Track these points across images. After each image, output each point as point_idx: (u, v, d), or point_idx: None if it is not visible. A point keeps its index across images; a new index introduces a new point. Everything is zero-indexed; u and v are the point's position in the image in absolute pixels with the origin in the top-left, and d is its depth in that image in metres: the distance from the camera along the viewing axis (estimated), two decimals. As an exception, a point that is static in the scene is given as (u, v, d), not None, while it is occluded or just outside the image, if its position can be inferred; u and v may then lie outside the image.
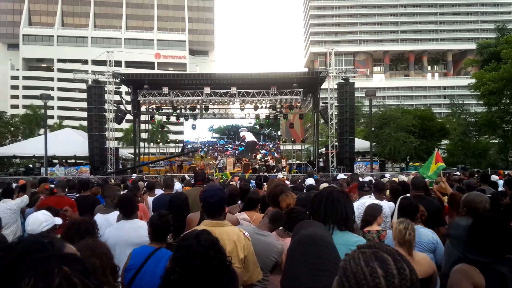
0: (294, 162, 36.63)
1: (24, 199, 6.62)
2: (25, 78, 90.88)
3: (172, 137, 55.85)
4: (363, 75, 67.02)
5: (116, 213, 4.88)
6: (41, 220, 3.38)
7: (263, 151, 39.03)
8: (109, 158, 26.28)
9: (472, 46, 53.11)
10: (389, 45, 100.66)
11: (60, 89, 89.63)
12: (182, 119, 33.26)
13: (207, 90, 26.52)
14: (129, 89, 29.28)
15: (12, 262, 1.24)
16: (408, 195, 5.27)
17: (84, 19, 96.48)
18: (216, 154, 39.10)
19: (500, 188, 8.09)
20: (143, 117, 31.82)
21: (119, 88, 28.15)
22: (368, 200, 5.40)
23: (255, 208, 4.81)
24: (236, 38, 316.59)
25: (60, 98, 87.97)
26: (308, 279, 1.67)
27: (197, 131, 34.12)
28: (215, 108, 32.41)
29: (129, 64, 77.21)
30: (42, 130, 45.71)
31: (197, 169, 26.70)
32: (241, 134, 45.38)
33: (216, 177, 14.66)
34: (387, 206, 5.44)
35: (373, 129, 30.70)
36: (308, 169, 25.97)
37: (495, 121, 32.81)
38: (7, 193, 6.79)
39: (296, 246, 1.87)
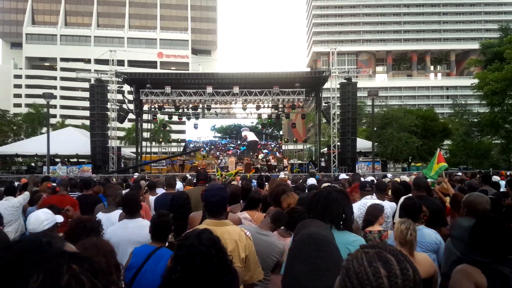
0: (296, 161, 36.63)
1: (25, 195, 6.64)
2: (28, 77, 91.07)
3: (174, 136, 55.91)
4: (366, 75, 67.16)
5: (118, 212, 4.89)
6: (42, 219, 3.39)
7: (265, 151, 39.02)
8: (111, 157, 26.33)
9: (475, 46, 52.91)
10: (392, 44, 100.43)
11: (62, 88, 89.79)
12: (184, 119, 33.28)
13: (209, 89, 26.53)
14: (132, 88, 29.33)
15: (10, 260, 1.25)
16: (410, 195, 5.26)
17: (87, 18, 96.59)
18: (218, 153, 39.13)
19: (502, 189, 8.07)
20: (145, 116, 31.87)
21: (122, 87, 28.18)
22: (370, 200, 5.40)
23: (257, 208, 4.82)
24: (239, 38, 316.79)
25: (62, 97, 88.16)
26: (308, 278, 1.67)
27: (199, 131, 34.34)
28: (217, 108, 32.44)
29: (132, 63, 77.32)
30: (44, 129, 45.91)
31: (199, 168, 26.73)
32: (243, 133, 45.42)
33: (217, 177, 14.66)
34: (389, 206, 5.44)
35: (375, 129, 30.69)
36: (310, 169, 25.95)
37: (497, 121, 32.72)
38: (10, 191, 6.82)
39: (297, 246, 1.87)
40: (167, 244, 3.47)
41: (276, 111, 31.78)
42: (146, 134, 34.68)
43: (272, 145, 42.70)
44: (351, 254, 1.11)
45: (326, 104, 27.72)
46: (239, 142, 43.92)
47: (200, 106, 29.85)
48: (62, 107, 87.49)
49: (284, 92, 26.55)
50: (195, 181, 8.89)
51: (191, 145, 37.73)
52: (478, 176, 12.18)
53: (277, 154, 37.68)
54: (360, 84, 28.95)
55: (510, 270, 2.41)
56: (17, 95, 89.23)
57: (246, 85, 27.24)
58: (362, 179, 8.42)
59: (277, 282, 3.02)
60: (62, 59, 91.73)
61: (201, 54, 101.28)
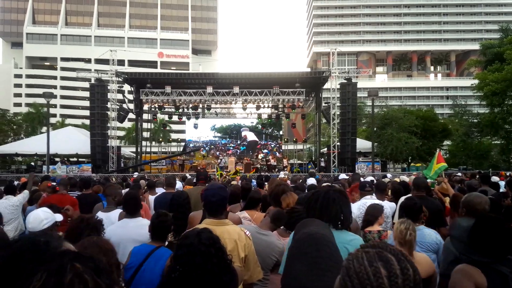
0: (295, 161, 36.64)
1: (25, 194, 6.64)
2: (28, 76, 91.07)
3: (174, 136, 55.91)
4: (366, 75, 67.13)
5: (117, 211, 4.88)
6: (42, 218, 3.38)
7: (265, 151, 39.03)
8: (111, 157, 26.35)
9: (476, 46, 52.90)
10: (392, 45, 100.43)
11: (63, 87, 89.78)
12: (184, 118, 33.29)
13: (209, 89, 26.54)
14: (132, 88, 29.35)
15: (8, 259, 1.25)
16: (411, 195, 5.26)
17: (88, 18, 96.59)
18: (217, 153, 39.13)
19: (502, 190, 8.07)
20: (145, 116, 31.89)
21: (122, 87, 28.20)
22: (370, 200, 5.40)
23: (256, 207, 4.82)
24: (239, 38, 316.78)
25: (63, 97, 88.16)
26: (308, 278, 1.67)
27: (199, 130, 34.37)
28: (218, 108, 32.45)
29: (132, 63, 77.30)
30: (44, 128, 45.92)
31: (199, 168, 26.73)
32: (243, 133, 45.41)
33: (217, 176, 14.65)
34: (388, 206, 5.44)
35: (375, 129, 30.67)
36: (310, 168, 25.96)
37: (497, 122, 32.72)
38: (9, 190, 6.82)
39: (297, 245, 1.87)
40: (166, 243, 3.47)
41: (276, 111, 31.79)
42: (146, 134, 34.71)
43: (272, 145, 42.71)
44: (351, 254, 1.10)
45: (326, 104, 27.73)
46: (239, 142, 43.91)
47: (200, 106, 29.85)
48: (62, 106, 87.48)
49: (284, 92, 26.56)
50: (195, 181, 8.89)
51: (191, 145, 37.73)
52: (477, 176, 12.18)
53: (277, 154, 37.70)
54: (360, 84, 28.96)
55: (509, 270, 2.41)
56: (17, 95, 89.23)
57: (246, 85, 27.25)
58: (361, 179, 8.43)
59: (276, 281, 3.02)
60: (63, 59, 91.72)
61: (202, 54, 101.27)
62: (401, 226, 3.35)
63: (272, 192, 4.88)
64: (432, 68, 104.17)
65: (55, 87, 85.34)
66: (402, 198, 5.51)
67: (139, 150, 30.81)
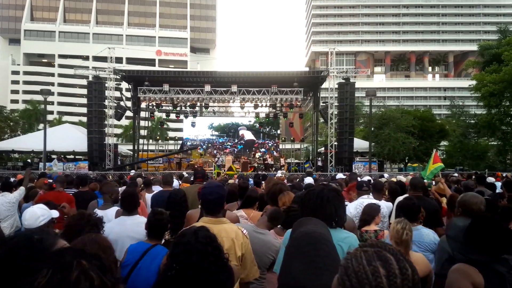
0: (293, 161, 36.66)
1: (21, 191, 6.62)
2: (25, 73, 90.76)
3: (171, 134, 55.87)
4: (364, 75, 67.04)
5: (114, 209, 4.88)
6: (38, 215, 3.37)
7: (263, 150, 39.03)
8: (108, 154, 26.30)
9: (474, 47, 53.05)
10: (390, 45, 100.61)
11: (60, 84, 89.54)
12: (182, 117, 33.23)
13: (207, 88, 26.49)
14: (130, 85, 29.26)
15: (3, 256, 1.25)
16: (408, 195, 5.27)
17: (86, 15, 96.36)
18: (215, 151, 39.10)
19: (498, 190, 8.12)
20: (143, 114, 31.80)
21: (120, 84, 28.15)
22: (367, 199, 5.40)
23: (253, 206, 4.82)
24: (238, 36, 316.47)
25: (60, 94, 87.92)
26: (306, 277, 1.67)
27: (197, 129, 34.12)
28: (215, 106, 32.38)
29: (130, 60, 77.10)
30: (41, 125, 45.71)
31: (196, 166, 26.73)
32: (240, 132, 45.31)
33: (214, 175, 14.65)
34: (385, 206, 5.45)
35: (372, 129, 30.71)
36: (307, 168, 25.98)
37: (494, 123, 32.81)
38: (6, 187, 6.79)
39: (294, 244, 1.87)
40: (163, 241, 3.46)
41: (274, 110, 31.76)
42: (143, 132, 34.66)
43: (270, 144, 42.70)
44: (350, 253, 1.10)
45: (324, 104, 27.74)
46: (236, 141, 43.89)
47: (198, 104, 29.78)
48: (60, 103, 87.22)
49: (282, 92, 26.53)
50: (192, 179, 8.89)
51: (188, 143, 37.67)
52: (473, 177, 12.23)
53: (275, 153, 37.71)
54: (358, 84, 28.97)
55: (506, 269, 2.42)
56: (15, 91, 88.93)
57: (244, 84, 27.21)
58: (358, 178, 8.44)
59: (273, 280, 3.03)
60: (60, 56, 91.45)
61: (200, 52, 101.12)
62: (397, 225, 3.36)
63: (269, 191, 4.88)
64: (430, 68, 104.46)
65: (52, 84, 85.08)
66: (399, 198, 5.53)
67: (136, 148, 30.76)
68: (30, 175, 7.76)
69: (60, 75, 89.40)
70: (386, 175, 16.76)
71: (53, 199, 5.40)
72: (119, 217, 4.18)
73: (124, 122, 45.25)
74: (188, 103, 28.90)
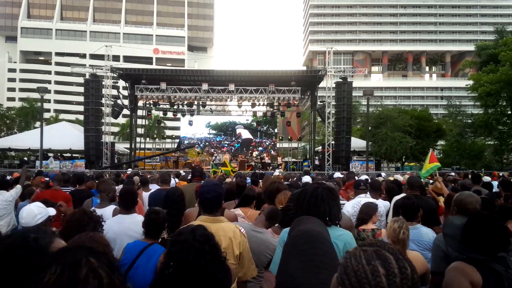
0: (290, 160, 36.71)
1: (17, 189, 6.59)
2: (22, 71, 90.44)
3: (168, 132, 55.70)
4: (361, 75, 67.20)
5: (112, 207, 4.86)
6: (35, 213, 3.35)
7: (260, 148, 39.02)
8: (104, 153, 26.23)
9: (471, 47, 53.26)
10: (388, 45, 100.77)
11: (57, 82, 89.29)
12: (179, 115, 33.20)
13: (205, 86, 26.47)
14: (127, 84, 29.20)
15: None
16: (406, 194, 5.28)
17: (83, 13, 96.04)
18: (212, 150, 39.06)
19: (495, 189, 8.15)
20: (140, 112, 31.75)
21: (117, 82, 28.05)
22: (364, 198, 5.41)
23: (250, 205, 4.82)
24: (235, 35, 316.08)
25: (57, 92, 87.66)
26: (304, 275, 1.66)
27: (194, 127, 34.07)
28: (213, 105, 32.36)
29: (128, 59, 76.90)
30: (38, 123, 45.65)
31: (193, 165, 26.69)
32: (237, 131, 45.28)
33: (210, 173, 14.62)
34: (383, 205, 5.46)
35: (370, 128, 30.78)
36: (305, 166, 26.03)
37: (491, 123, 32.94)
38: (2, 185, 6.76)
39: (292, 242, 1.87)
40: (159, 240, 3.45)
41: (271, 109, 31.77)
42: (140, 130, 34.57)
43: (267, 143, 42.71)
44: (349, 252, 1.10)
45: (322, 103, 27.77)
46: (233, 139, 43.85)
47: (195, 102, 29.78)
48: (56, 101, 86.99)
49: (280, 90, 26.54)
50: (189, 178, 8.87)
51: (186, 142, 37.62)
52: (469, 176, 12.28)
53: (272, 152, 37.72)
54: (355, 83, 29.03)
55: (503, 267, 2.42)
56: (11, 89, 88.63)
57: (242, 83, 27.20)
58: (356, 177, 8.46)
59: (270, 279, 3.02)
60: (57, 54, 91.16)
61: (197, 51, 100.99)
62: (394, 224, 3.36)
63: (266, 189, 4.88)
64: (427, 68, 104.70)
65: (49, 82, 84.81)
66: (397, 197, 5.54)
67: (133, 147, 30.70)
68: (26, 173, 7.73)
69: (57, 73, 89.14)
70: (383, 174, 16.81)
71: (49, 197, 5.37)
72: (117, 216, 4.17)
73: (121, 120, 45.24)
74: (186, 102, 28.86)
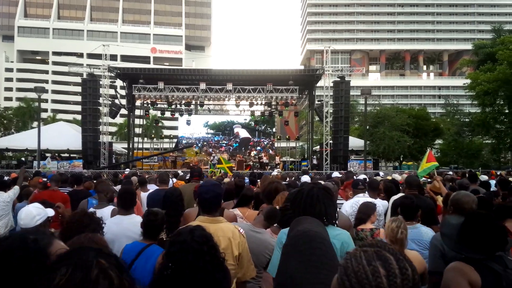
0: (288, 159, 36.73)
1: (15, 190, 6.57)
2: (19, 70, 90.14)
3: (166, 132, 55.79)
4: (359, 74, 67.30)
5: (110, 207, 4.85)
6: (34, 214, 3.33)
7: (258, 148, 39.06)
8: (102, 153, 26.16)
9: (468, 46, 53.33)
10: (385, 44, 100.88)
11: (54, 82, 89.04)
12: (177, 115, 33.17)
13: (202, 85, 26.43)
14: (124, 83, 29.15)
15: None
16: (401, 194, 5.29)
17: (81, 12, 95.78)
18: (210, 150, 39.07)
19: (493, 188, 8.17)
20: (137, 112, 31.70)
21: (114, 82, 27.98)
22: (362, 198, 5.42)
23: (249, 205, 4.82)
24: (233, 34, 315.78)
25: (54, 91, 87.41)
26: (303, 275, 1.67)
27: (192, 127, 34.16)
28: (211, 104, 32.36)
29: (125, 58, 76.80)
30: (35, 123, 45.47)
31: (191, 165, 26.68)
32: (235, 130, 45.32)
33: (209, 173, 14.62)
34: (381, 204, 5.46)
35: (367, 127, 30.79)
36: (304, 166, 26.04)
37: (488, 121, 33.00)
38: (0, 186, 6.74)
39: (291, 243, 1.87)
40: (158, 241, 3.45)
41: (269, 109, 31.77)
42: (138, 130, 34.52)
43: (265, 143, 42.75)
44: (349, 253, 1.10)
45: (319, 102, 27.78)
46: (231, 138, 43.85)
47: (193, 102, 29.73)
48: (54, 101, 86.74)
49: (278, 90, 26.53)
50: (187, 178, 8.87)
51: (184, 142, 37.63)
52: (466, 175, 12.31)
53: (270, 151, 37.76)
54: (353, 82, 28.99)
55: (501, 267, 2.43)
56: (8, 89, 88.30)
57: (240, 82, 27.18)
58: (354, 177, 8.47)
59: (269, 279, 3.03)
60: (54, 53, 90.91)
61: (195, 50, 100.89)
62: (392, 224, 3.37)
63: (264, 189, 4.88)
64: (424, 67, 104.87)
65: (46, 81, 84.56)
66: (394, 197, 5.55)
67: (131, 146, 30.64)
68: (24, 174, 7.71)
69: (54, 73, 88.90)
70: (381, 173, 16.81)
71: (47, 198, 5.36)
72: (116, 216, 4.16)
73: (119, 120, 45.09)
74: (183, 101, 28.83)
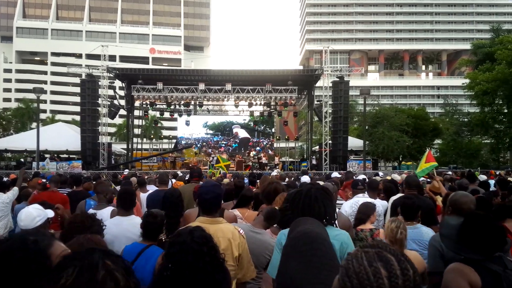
0: (287, 159, 36.74)
1: (15, 191, 6.56)
2: (18, 71, 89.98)
3: (165, 133, 55.49)
4: (358, 74, 67.31)
5: (109, 208, 4.85)
6: (34, 215, 3.33)
7: (257, 148, 39.06)
8: (101, 153, 26.15)
9: (467, 46, 53.46)
10: (384, 44, 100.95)
11: (53, 83, 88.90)
12: (176, 115, 33.17)
13: (201, 86, 26.42)
14: (123, 84, 29.13)
15: None
16: (400, 194, 5.29)
17: (79, 12, 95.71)
18: (209, 150, 39.07)
19: (492, 188, 8.18)
20: (136, 113, 31.69)
21: (113, 82, 27.98)
22: (362, 198, 5.42)
23: (248, 206, 4.81)
24: (232, 35, 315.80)
25: (53, 92, 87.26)
26: (303, 276, 1.67)
27: (191, 127, 34.29)
28: (210, 105, 32.35)
29: (124, 58, 76.74)
30: (34, 124, 45.41)
31: (191, 165, 26.68)
32: (234, 130, 45.34)
33: (208, 173, 14.62)
34: (380, 204, 5.46)
35: (366, 127, 30.81)
36: (303, 166, 26.04)
37: (487, 121, 33.04)
38: (0, 187, 6.73)
39: (291, 244, 1.87)
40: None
41: (268, 109, 31.76)
42: (137, 131, 34.50)
43: (264, 143, 42.77)
44: (350, 254, 1.09)
45: (318, 102, 27.79)
46: (230, 139, 43.87)
47: (192, 102, 29.72)
48: (53, 102, 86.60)
49: (277, 90, 26.53)
50: (187, 178, 8.87)
51: (183, 142, 37.63)
52: (465, 175, 12.32)
53: (269, 151, 37.76)
54: (352, 82, 29.00)
55: (501, 267, 2.43)
56: (7, 90, 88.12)
57: (239, 82, 27.18)
58: (354, 177, 8.47)
59: (269, 280, 3.03)
60: (53, 54, 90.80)
61: (194, 50, 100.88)
62: (392, 224, 3.37)
63: (264, 190, 4.88)
64: (423, 67, 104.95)
65: (45, 82, 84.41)
66: (394, 197, 5.54)
67: (130, 147, 30.62)
68: (23, 175, 7.70)
69: (53, 73, 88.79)
70: (380, 173, 16.81)
71: (47, 199, 5.35)
72: (115, 217, 4.16)
73: (118, 120, 45.05)
74: (182, 102, 28.82)
